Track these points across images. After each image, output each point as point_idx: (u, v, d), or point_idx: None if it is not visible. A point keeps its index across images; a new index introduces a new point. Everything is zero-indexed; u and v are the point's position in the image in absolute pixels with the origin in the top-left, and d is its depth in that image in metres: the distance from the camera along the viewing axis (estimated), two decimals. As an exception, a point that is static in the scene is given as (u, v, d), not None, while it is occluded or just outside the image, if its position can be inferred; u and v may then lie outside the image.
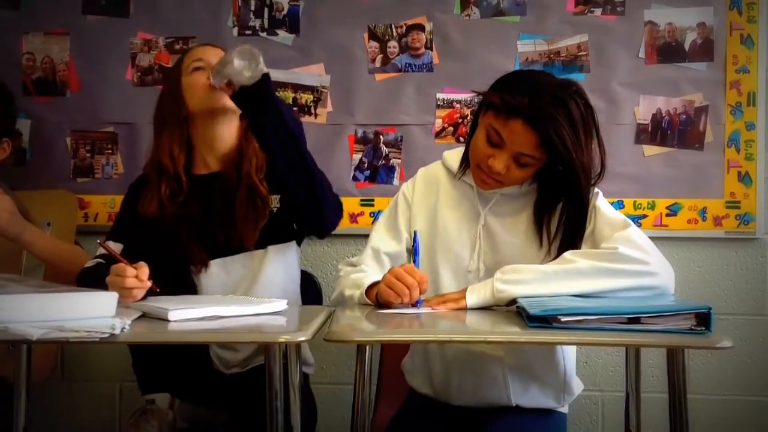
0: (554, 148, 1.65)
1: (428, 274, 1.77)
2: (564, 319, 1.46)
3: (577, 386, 1.89)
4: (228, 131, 1.99)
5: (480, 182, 1.79)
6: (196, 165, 2.01)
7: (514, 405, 1.80)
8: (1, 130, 2.32)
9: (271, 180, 1.96)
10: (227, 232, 1.94)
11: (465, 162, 1.83)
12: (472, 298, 1.67)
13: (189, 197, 1.96)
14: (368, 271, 1.82)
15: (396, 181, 2.58)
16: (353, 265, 1.88)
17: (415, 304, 1.66)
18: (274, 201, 1.97)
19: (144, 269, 1.68)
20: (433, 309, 1.67)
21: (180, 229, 1.94)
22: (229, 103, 1.90)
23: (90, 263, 1.93)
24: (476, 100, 1.80)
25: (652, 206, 2.54)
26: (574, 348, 1.89)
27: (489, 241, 1.81)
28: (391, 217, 1.91)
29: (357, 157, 2.59)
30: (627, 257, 1.63)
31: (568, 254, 1.67)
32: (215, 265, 1.95)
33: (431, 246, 1.85)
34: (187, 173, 1.98)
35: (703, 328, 1.42)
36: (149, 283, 1.68)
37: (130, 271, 1.67)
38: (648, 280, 1.64)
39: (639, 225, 2.50)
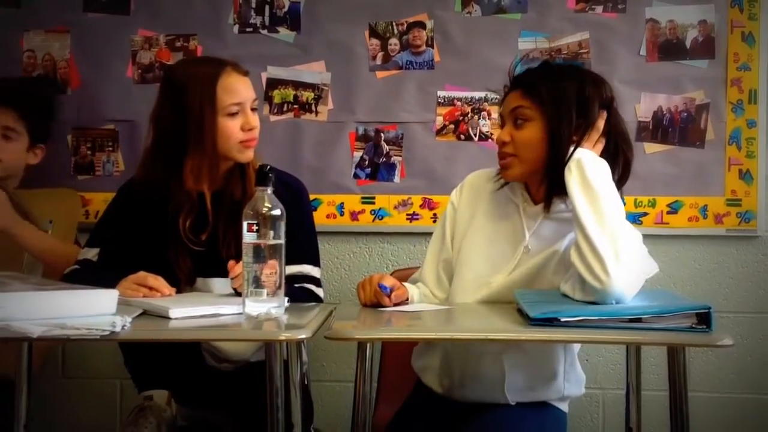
0: (538, 95, 1.76)
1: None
2: (564, 319, 1.46)
3: (578, 385, 1.88)
4: None
5: (502, 171, 1.84)
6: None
7: (513, 404, 1.80)
8: (37, 137, 2.37)
9: None
10: (228, 245, 1.91)
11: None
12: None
13: (198, 213, 1.95)
14: (423, 287, 1.95)
15: (397, 179, 2.58)
16: (415, 280, 1.98)
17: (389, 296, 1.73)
18: None
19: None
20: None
21: (175, 247, 1.93)
22: (252, 154, 1.96)
23: (68, 270, 1.95)
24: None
25: (653, 204, 2.53)
26: (576, 345, 1.89)
27: (522, 262, 1.82)
28: (441, 226, 1.97)
29: (358, 154, 2.59)
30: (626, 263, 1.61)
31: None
32: (197, 283, 1.95)
33: (460, 251, 1.88)
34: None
35: (704, 327, 1.42)
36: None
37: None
38: (599, 287, 1.59)
39: (640, 223, 2.51)
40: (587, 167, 1.70)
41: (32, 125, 2.35)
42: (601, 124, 1.77)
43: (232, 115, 1.92)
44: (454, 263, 1.91)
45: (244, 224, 1.55)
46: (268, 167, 1.60)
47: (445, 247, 1.94)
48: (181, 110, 1.91)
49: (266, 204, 1.56)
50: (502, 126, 1.85)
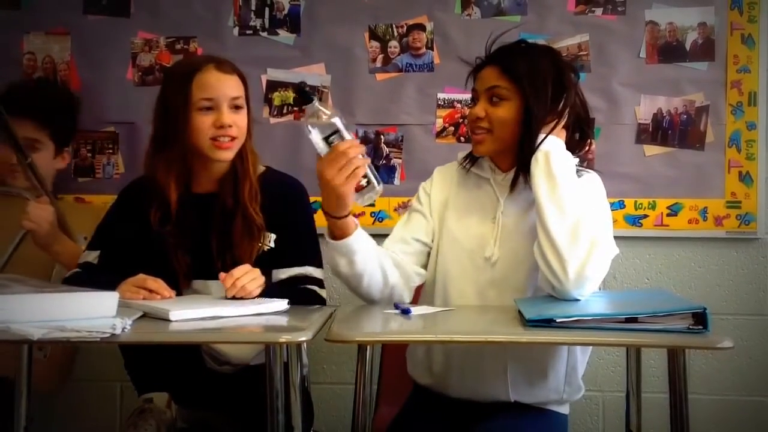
0: (517, 76, 1.77)
1: (440, 267, 1.86)
2: (560, 320, 1.46)
3: (578, 388, 1.88)
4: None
5: (475, 146, 1.85)
6: (194, 182, 1.99)
7: (513, 401, 1.80)
8: (64, 141, 2.40)
9: (271, 218, 1.94)
10: (223, 256, 1.91)
11: (471, 155, 1.91)
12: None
13: (188, 214, 1.95)
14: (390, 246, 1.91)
15: (397, 181, 2.58)
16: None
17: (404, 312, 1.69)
18: (270, 239, 1.94)
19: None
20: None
21: (171, 244, 1.93)
22: (231, 155, 1.92)
23: (69, 274, 1.95)
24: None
25: (653, 206, 2.53)
26: (583, 348, 1.89)
27: (505, 228, 1.83)
28: (409, 212, 1.97)
29: (358, 156, 2.59)
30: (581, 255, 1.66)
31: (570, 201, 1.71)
32: (195, 285, 1.95)
33: (441, 237, 1.89)
34: (187, 190, 1.96)
35: (701, 327, 1.42)
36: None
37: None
38: (556, 283, 1.66)
39: (640, 225, 2.51)
40: (554, 163, 1.73)
41: (54, 132, 2.36)
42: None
43: (203, 110, 1.89)
44: (436, 243, 1.90)
45: (319, 137, 1.62)
46: (306, 87, 1.64)
47: (412, 224, 1.92)
48: (165, 106, 1.92)
49: (326, 111, 1.65)
50: (474, 100, 1.86)
